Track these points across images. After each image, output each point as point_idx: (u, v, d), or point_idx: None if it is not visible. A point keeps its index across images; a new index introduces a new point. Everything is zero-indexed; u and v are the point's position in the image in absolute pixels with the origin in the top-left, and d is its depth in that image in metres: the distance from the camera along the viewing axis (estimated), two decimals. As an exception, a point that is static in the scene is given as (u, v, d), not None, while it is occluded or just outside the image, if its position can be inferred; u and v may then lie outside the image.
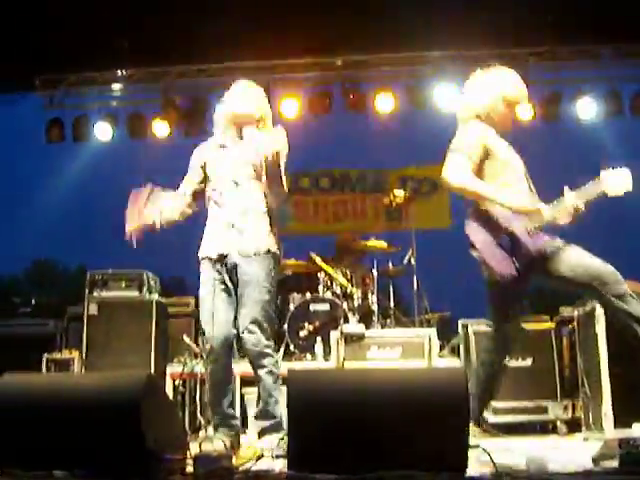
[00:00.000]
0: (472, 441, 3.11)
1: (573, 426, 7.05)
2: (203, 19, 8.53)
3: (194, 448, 3.56)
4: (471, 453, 3.04)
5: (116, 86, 9.87)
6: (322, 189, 12.19)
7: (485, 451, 3.09)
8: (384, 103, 9.37)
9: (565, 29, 8.54)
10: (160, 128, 9.70)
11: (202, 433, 6.25)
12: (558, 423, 7.12)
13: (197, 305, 8.49)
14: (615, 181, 4.30)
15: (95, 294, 8.06)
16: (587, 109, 9.23)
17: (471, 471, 2.97)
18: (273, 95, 9.54)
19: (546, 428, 7.30)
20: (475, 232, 4.51)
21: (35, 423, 3.23)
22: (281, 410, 4.63)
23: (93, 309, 8.00)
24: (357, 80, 9.45)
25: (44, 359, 7.81)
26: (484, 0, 8.28)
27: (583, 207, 4.39)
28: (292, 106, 9.44)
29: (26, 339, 8.49)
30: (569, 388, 7.21)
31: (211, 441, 4.49)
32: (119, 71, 9.59)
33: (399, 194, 8.40)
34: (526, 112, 9.22)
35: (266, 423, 4.71)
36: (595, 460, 3.36)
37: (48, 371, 7.59)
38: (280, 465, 3.09)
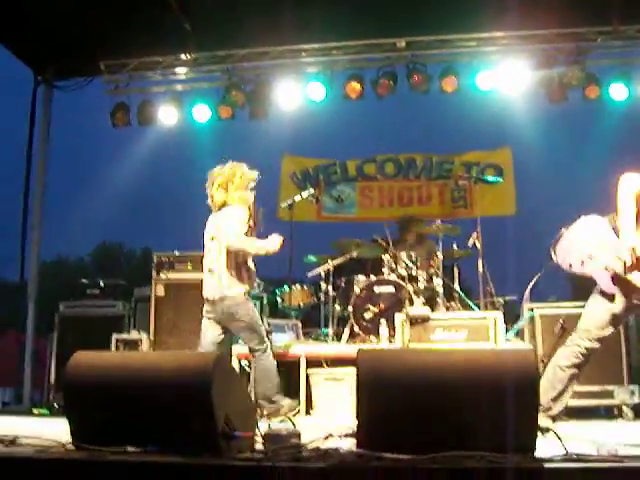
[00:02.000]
0: (541, 423, 3.09)
1: (639, 412, 6.95)
2: (266, 3, 8.55)
3: (263, 426, 3.61)
4: (540, 435, 3.03)
5: (180, 70, 9.95)
6: (387, 175, 12.11)
7: (555, 433, 3.07)
8: (448, 84, 9.26)
9: (632, 7, 8.35)
10: (224, 111, 9.77)
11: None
12: (624, 408, 7.02)
13: (260, 288, 8.65)
14: None
15: (162, 276, 8.20)
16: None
17: (540, 453, 2.96)
18: (337, 76, 9.54)
19: (611, 413, 7.21)
20: None
21: (109, 400, 3.30)
22: None
23: (160, 290, 8.15)
24: (422, 61, 9.36)
25: (113, 339, 7.97)
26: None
27: None
28: (355, 88, 9.40)
29: (95, 320, 8.69)
30: (636, 373, 7.10)
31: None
32: (183, 55, 9.66)
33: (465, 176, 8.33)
34: (593, 92, 9.07)
35: None
36: (667, 445, 3.32)
37: (117, 351, 7.75)
38: (348, 444, 3.10)
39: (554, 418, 4.81)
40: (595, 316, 4.79)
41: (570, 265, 4.72)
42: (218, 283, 6.05)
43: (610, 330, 4.79)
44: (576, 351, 4.80)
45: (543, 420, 4.67)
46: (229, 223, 6.01)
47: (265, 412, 5.85)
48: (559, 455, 2.89)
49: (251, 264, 6.15)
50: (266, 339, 6.12)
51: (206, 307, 6.18)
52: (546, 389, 4.83)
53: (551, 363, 4.95)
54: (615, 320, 4.77)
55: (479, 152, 12.16)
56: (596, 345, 4.77)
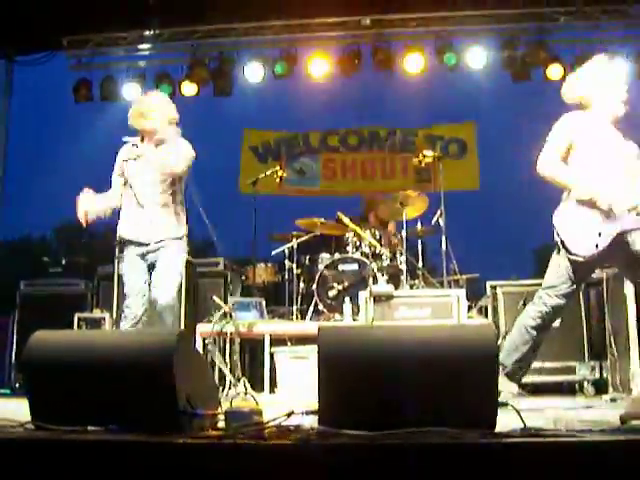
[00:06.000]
0: (501, 399, 3.13)
1: (600, 387, 7.06)
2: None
3: (225, 404, 3.61)
4: (500, 411, 3.06)
5: (144, 46, 9.85)
6: (351, 147, 12.11)
7: (514, 408, 3.11)
8: (413, 63, 9.28)
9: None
10: (188, 87, 9.70)
11: (232, 390, 6.33)
12: (585, 384, 7.14)
13: (225, 266, 8.58)
14: None
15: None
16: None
17: (499, 428, 2.99)
18: (301, 54, 9.49)
19: (573, 389, 7.32)
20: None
21: (69, 379, 3.28)
22: None
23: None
24: (386, 39, 9.35)
25: (75, 318, 7.90)
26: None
27: None
28: (321, 66, 9.38)
29: (57, 298, 8.59)
30: (597, 349, 7.20)
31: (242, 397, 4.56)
32: (147, 31, 9.55)
33: (428, 154, 8.31)
34: (556, 72, 9.12)
35: None
36: (623, 419, 3.37)
37: (79, 330, 7.68)
38: (310, 421, 3.12)
39: (517, 381, 4.87)
40: (558, 270, 4.85)
41: (597, 245, 4.74)
42: None
43: (574, 285, 4.85)
44: (543, 311, 4.86)
45: (504, 384, 4.75)
46: None
47: None
48: (517, 430, 2.92)
49: None
50: None
51: None
52: (510, 351, 4.90)
53: (517, 323, 5.00)
54: (579, 273, 4.83)
55: (443, 125, 12.23)
56: (562, 301, 4.83)
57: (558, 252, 4.83)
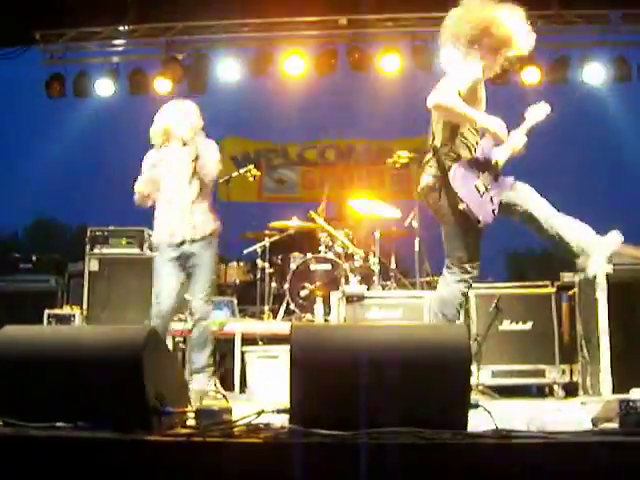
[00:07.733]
0: (472, 400, 3.12)
1: (570, 390, 7.09)
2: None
3: (195, 402, 3.58)
4: (471, 412, 3.05)
5: (118, 42, 9.77)
6: (328, 161, 12.29)
7: (485, 409, 3.10)
8: (389, 64, 9.27)
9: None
10: (162, 84, 9.63)
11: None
12: (555, 387, 7.16)
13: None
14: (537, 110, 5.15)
15: (96, 250, 8.10)
16: (595, 74, 9.12)
17: (472, 429, 2.98)
18: (277, 53, 9.46)
19: (543, 391, 7.35)
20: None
21: (37, 375, 3.23)
22: None
23: (94, 265, 8.04)
24: (363, 40, 9.34)
25: (45, 314, 7.82)
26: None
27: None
28: (297, 64, 9.35)
29: (27, 295, 8.50)
30: (567, 353, 7.23)
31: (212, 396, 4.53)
32: (121, 26, 9.47)
33: (403, 154, 8.32)
34: (532, 75, 9.16)
35: None
36: (595, 421, 3.38)
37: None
38: (281, 420, 3.09)
39: None
40: (470, 241, 4.88)
41: (494, 211, 4.80)
42: None
43: None
44: (467, 286, 4.97)
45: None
46: None
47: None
48: (489, 431, 2.91)
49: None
50: None
51: None
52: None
53: (445, 301, 5.00)
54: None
55: (419, 137, 12.34)
56: None
57: (463, 220, 4.78)
